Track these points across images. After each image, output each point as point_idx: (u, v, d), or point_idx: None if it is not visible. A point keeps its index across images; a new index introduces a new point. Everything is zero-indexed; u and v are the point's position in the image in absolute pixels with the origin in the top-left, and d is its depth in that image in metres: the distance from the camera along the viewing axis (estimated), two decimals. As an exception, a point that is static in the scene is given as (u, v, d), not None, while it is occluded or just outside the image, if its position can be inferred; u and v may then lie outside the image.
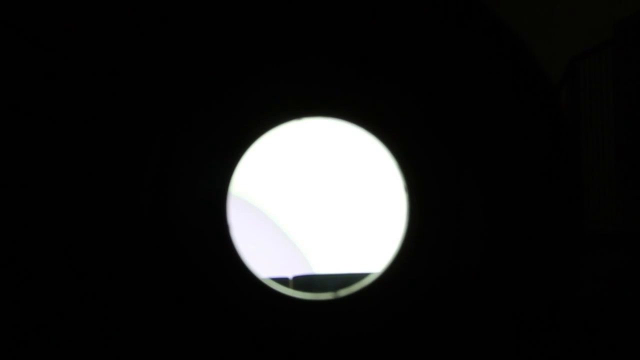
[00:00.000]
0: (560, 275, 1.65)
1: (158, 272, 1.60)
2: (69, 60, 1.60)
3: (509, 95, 1.65)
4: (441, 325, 1.64)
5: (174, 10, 1.62)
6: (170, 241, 1.61)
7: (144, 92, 1.62)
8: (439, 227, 1.65)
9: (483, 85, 1.65)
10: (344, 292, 1.68)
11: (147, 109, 1.62)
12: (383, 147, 1.68)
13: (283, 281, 2.70)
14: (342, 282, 1.84)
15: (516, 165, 1.65)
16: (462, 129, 1.65)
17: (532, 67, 1.65)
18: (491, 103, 1.65)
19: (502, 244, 1.64)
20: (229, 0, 1.63)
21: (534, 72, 1.65)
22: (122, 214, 1.60)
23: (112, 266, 1.59)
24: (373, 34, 1.64)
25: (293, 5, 1.63)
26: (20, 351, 1.57)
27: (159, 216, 1.61)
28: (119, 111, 1.61)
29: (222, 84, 1.64)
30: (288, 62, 1.65)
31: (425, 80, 1.65)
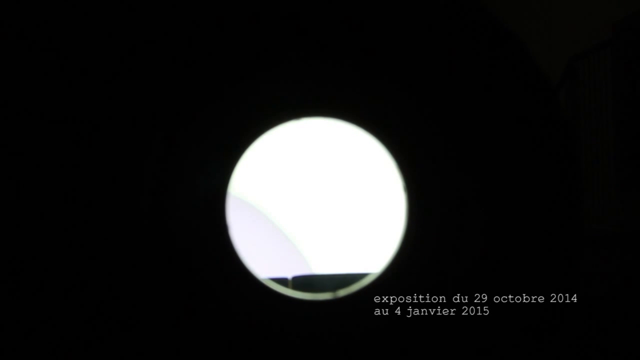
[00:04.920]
0: (560, 275, 1.65)
1: (156, 272, 1.60)
2: (68, 60, 1.60)
3: (508, 96, 1.65)
4: (441, 325, 1.63)
5: (173, 9, 1.61)
6: (169, 241, 1.61)
7: (143, 92, 1.61)
8: (439, 227, 1.65)
9: (482, 86, 1.64)
10: (343, 292, 1.68)
11: (146, 108, 1.61)
12: (382, 147, 1.68)
13: (282, 281, 2.69)
14: (341, 282, 1.84)
15: (516, 166, 1.65)
16: (461, 129, 1.64)
17: (531, 68, 1.65)
18: (490, 103, 1.65)
19: (502, 244, 1.64)
20: (229, 0, 1.62)
21: (533, 72, 1.65)
22: (121, 214, 1.60)
23: (109, 266, 1.59)
24: (372, 34, 1.64)
25: (293, 4, 1.63)
26: (15, 352, 1.57)
27: (158, 216, 1.61)
28: (117, 111, 1.60)
29: (221, 84, 1.63)
30: (288, 62, 1.65)
31: (425, 80, 1.65)
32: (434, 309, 1.64)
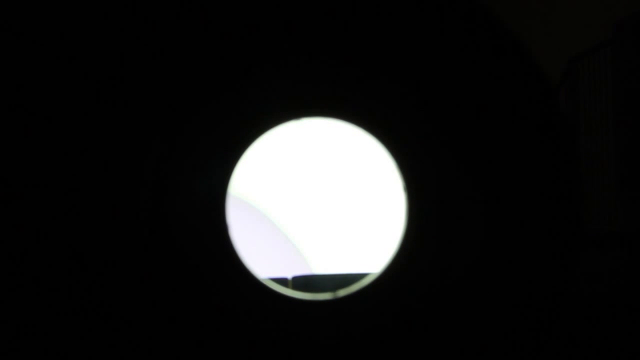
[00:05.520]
0: (560, 275, 1.65)
1: (156, 272, 1.60)
2: (68, 61, 1.59)
3: (508, 95, 1.65)
4: (441, 325, 1.63)
5: (173, 9, 1.61)
6: (169, 241, 1.61)
7: (143, 92, 1.61)
8: (439, 227, 1.65)
9: (482, 85, 1.64)
10: (343, 292, 1.68)
11: (146, 108, 1.61)
12: (382, 147, 1.68)
13: (282, 281, 2.69)
14: (341, 282, 1.84)
15: (516, 166, 1.65)
16: (461, 129, 1.64)
17: (531, 67, 1.65)
18: (490, 103, 1.64)
19: (501, 244, 1.64)
20: (228, 0, 1.62)
21: (533, 72, 1.65)
22: (120, 214, 1.60)
23: (109, 266, 1.59)
24: (372, 34, 1.64)
25: (292, 4, 1.63)
26: (14, 352, 1.57)
27: (158, 216, 1.61)
28: (117, 111, 1.60)
29: (221, 84, 1.63)
30: (287, 61, 1.65)
31: (425, 80, 1.65)
32: (434, 309, 1.63)
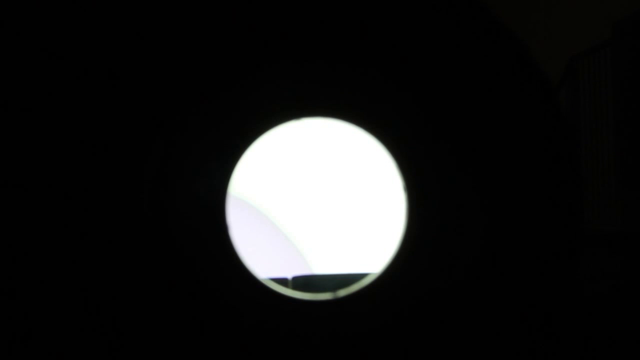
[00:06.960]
0: (559, 275, 1.65)
1: (156, 273, 1.60)
2: (68, 60, 1.60)
3: (508, 95, 1.65)
4: (441, 325, 1.63)
5: (173, 9, 1.61)
6: (169, 241, 1.61)
7: (143, 92, 1.61)
8: (439, 227, 1.65)
9: (482, 85, 1.64)
10: (343, 292, 1.68)
11: (146, 108, 1.61)
12: (382, 147, 1.68)
13: (282, 281, 2.69)
14: (341, 282, 1.84)
15: (516, 165, 1.65)
16: (461, 129, 1.64)
17: (532, 67, 1.65)
18: (490, 103, 1.64)
19: (501, 244, 1.64)
20: (229, 0, 1.62)
21: (533, 72, 1.65)
22: (120, 214, 1.60)
23: (109, 266, 1.59)
24: (372, 34, 1.64)
25: (292, 4, 1.63)
26: (15, 353, 1.57)
27: (157, 216, 1.61)
28: (117, 111, 1.60)
29: (221, 84, 1.63)
30: (287, 61, 1.65)
31: (425, 80, 1.65)
32: (434, 309, 1.63)
